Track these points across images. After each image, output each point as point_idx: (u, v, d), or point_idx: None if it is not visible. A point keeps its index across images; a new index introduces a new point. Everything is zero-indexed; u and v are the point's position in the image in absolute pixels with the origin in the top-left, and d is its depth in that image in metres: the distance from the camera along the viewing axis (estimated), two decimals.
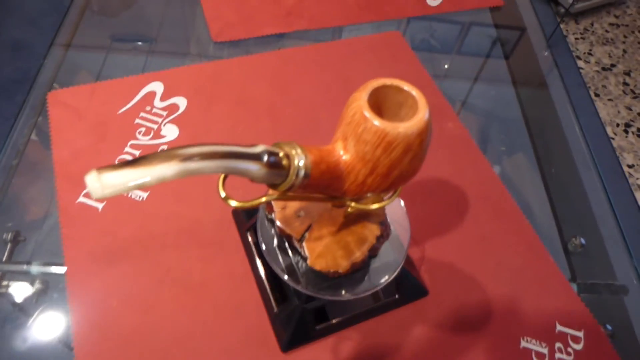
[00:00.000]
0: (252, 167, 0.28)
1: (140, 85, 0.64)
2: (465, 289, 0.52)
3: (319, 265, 0.38)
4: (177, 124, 0.61)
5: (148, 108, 0.62)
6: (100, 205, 0.53)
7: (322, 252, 0.38)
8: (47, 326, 0.46)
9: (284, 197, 0.32)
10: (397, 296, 0.49)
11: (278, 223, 0.40)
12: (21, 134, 0.60)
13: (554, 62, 0.80)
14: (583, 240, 0.58)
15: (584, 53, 1.85)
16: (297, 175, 0.29)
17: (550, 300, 0.52)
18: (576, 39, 1.90)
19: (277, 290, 0.48)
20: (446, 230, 0.56)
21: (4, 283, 0.49)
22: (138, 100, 0.63)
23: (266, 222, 0.43)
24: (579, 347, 0.49)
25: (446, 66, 0.79)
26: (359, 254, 0.38)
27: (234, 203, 0.30)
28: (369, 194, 0.33)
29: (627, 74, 1.79)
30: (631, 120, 1.65)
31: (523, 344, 0.49)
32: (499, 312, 0.50)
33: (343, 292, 0.40)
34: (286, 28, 0.77)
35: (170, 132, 0.60)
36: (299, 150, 0.30)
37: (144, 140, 0.59)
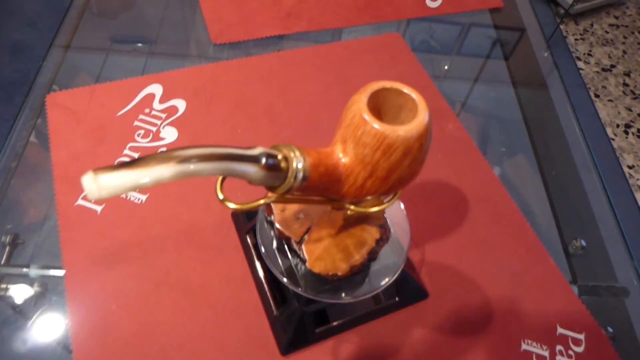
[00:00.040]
0: (250, 169, 0.28)
1: (139, 87, 0.64)
2: (465, 291, 0.51)
3: (318, 268, 0.38)
4: (176, 126, 0.61)
5: (147, 110, 0.62)
6: (99, 208, 0.53)
7: (321, 254, 0.38)
8: (46, 329, 0.46)
9: (282, 199, 0.32)
10: (397, 299, 0.49)
11: (277, 225, 0.40)
12: (20, 136, 0.60)
13: (553, 63, 0.80)
14: (584, 242, 0.58)
15: (584, 54, 1.85)
16: (295, 177, 0.29)
17: (551, 302, 0.52)
18: (576, 39, 1.89)
19: (276, 292, 0.48)
20: (446, 233, 0.56)
21: (3, 286, 0.49)
22: (137, 103, 0.62)
23: (265, 224, 0.43)
24: (580, 349, 0.49)
25: (446, 67, 0.79)
26: (358, 257, 0.38)
27: (232, 205, 0.30)
28: (368, 197, 0.33)
29: (627, 74, 1.79)
30: (631, 121, 1.65)
31: (524, 346, 0.48)
32: (499, 314, 0.50)
33: (343, 294, 0.40)
34: (285, 30, 0.76)
35: (170, 135, 0.60)
36: (297, 153, 0.30)
37: (143, 142, 0.59)
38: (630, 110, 1.68)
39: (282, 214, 0.40)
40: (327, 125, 0.64)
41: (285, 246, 0.41)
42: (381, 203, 0.36)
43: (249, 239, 0.51)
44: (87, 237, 0.51)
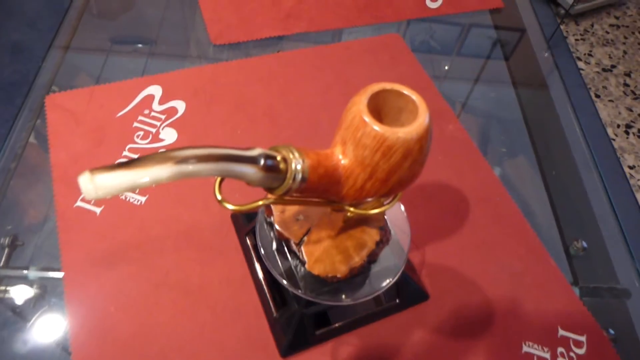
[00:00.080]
0: (248, 170, 0.27)
1: (139, 88, 0.64)
2: (466, 293, 0.51)
3: (317, 269, 0.38)
4: (176, 127, 0.61)
5: (146, 111, 0.62)
6: (98, 210, 0.52)
7: (320, 256, 0.38)
8: (45, 331, 0.46)
9: (281, 201, 0.32)
10: (397, 300, 0.48)
11: (277, 226, 0.40)
12: (19, 137, 0.60)
13: (554, 63, 0.80)
14: (585, 244, 0.58)
15: (584, 54, 1.84)
16: (294, 179, 0.29)
17: (552, 304, 0.51)
18: (576, 40, 1.89)
19: (276, 294, 0.48)
20: (447, 234, 0.55)
21: (2, 288, 0.49)
22: (136, 104, 0.62)
23: (265, 226, 0.43)
24: (581, 351, 0.49)
25: (446, 68, 0.79)
26: (357, 259, 0.38)
27: (230, 206, 0.30)
28: (368, 199, 0.33)
29: (628, 74, 1.78)
30: (632, 121, 1.64)
31: (525, 348, 0.48)
32: (500, 316, 0.50)
33: (343, 296, 0.40)
34: (285, 31, 0.76)
35: (169, 136, 0.60)
36: (296, 154, 0.29)
37: (142, 143, 0.58)
38: (631, 110, 1.68)
39: (282, 215, 0.40)
40: (327, 126, 0.64)
41: (285, 248, 0.41)
42: (381, 205, 0.36)
43: (248, 241, 0.51)
44: (86, 239, 0.50)
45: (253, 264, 0.50)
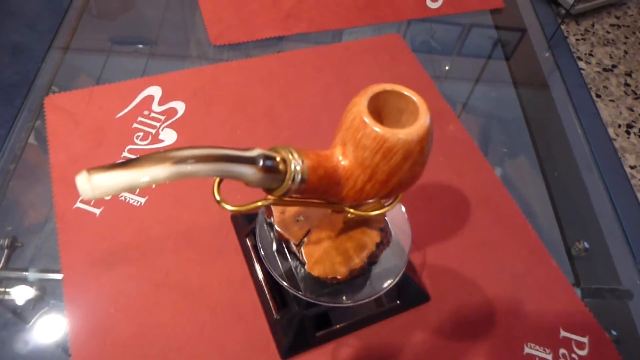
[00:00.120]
0: (247, 171, 0.27)
1: (138, 89, 0.64)
2: (467, 294, 0.51)
3: (317, 271, 0.37)
4: (176, 128, 0.60)
5: (146, 112, 0.61)
6: (97, 211, 0.52)
7: (320, 257, 0.38)
8: (45, 333, 0.46)
9: (280, 202, 0.31)
10: (398, 302, 0.48)
11: (276, 227, 0.39)
12: (18, 138, 0.59)
13: (555, 63, 0.80)
14: (587, 244, 0.57)
15: (585, 54, 1.84)
16: (293, 180, 0.29)
17: (554, 305, 0.51)
18: (577, 40, 1.89)
19: (276, 295, 0.48)
20: (447, 235, 0.55)
21: (1, 289, 0.49)
22: (136, 105, 0.62)
23: (265, 227, 0.42)
24: (583, 353, 0.48)
25: (447, 68, 0.79)
26: (357, 261, 0.38)
27: (229, 207, 0.29)
28: (368, 201, 0.33)
29: (629, 74, 1.78)
30: (633, 121, 1.64)
31: (526, 350, 0.48)
32: (501, 317, 0.50)
33: (344, 297, 0.40)
34: (285, 31, 0.76)
35: (169, 137, 0.59)
36: (295, 155, 0.29)
37: (142, 144, 0.58)
38: (632, 110, 1.67)
39: (282, 216, 0.40)
40: (327, 127, 0.63)
41: (285, 249, 0.41)
42: (382, 206, 0.36)
43: (248, 242, 0.51)
44: (85, 240, 0.50)
45: (253, 265, 0.50)
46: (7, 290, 0.49)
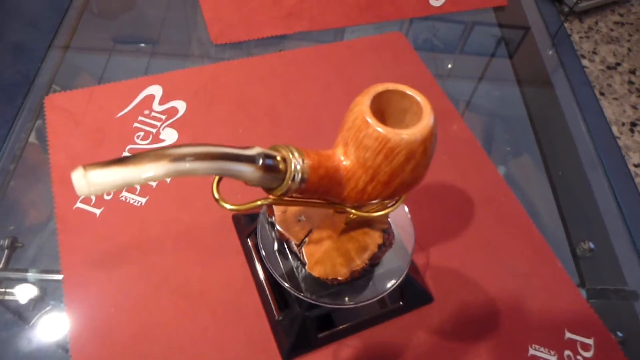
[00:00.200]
0: (246, 169, 0.27)
1: (139, 88, 0.63)
2: (470, 295, 0.50)
3: (317, 271, 0.37)
4: (176, 127, 0.60)
5: (147, 112, 0.61)
6: (98, 211, 0.52)
7: (321, 258, 0.37)
8: (45, 333, 0.46)
9: (280, 201, 0.31)
10: (401, 303, 0.48)
11: (277, 227, 0.39)
12: (18, 138, 0.59)
13: (558, 61, 0.79)
14: (592, 245, 0.57)
15: (589, 52, 1.83)
16: (293, 179, 0.29)
17: (559, 306, 0.51)
18: (580, 37, 1.88)
19: (278, 296, 0.47)
20: (451, 235, 0.55)
21: (1, 290, 0.49)
22: (136, 104, 0.62)
23: (267, 226, 0.42)
24: (588, 354, 0.48)
25: (449, 66, 0.78)
26: (359, 262, 0.37)
27: (228, 206, 0.29)
28: (371, 202, 0.32)
29: (633, 72, 1.77)
30: (637, 119, 1.63)
31: (531, 351, 0.47)
32: (505, 318, 0.49)
33: (346, 299, 0.39)
34: (287, 30, 0.76)
35: (170, 136, 0.59)
36: (296, 154, 0.29)
37: (142, 144, 0.58)
38: (636, 108, 1.66)
39: (283, 216, 0.39)
40: (330, 126, 0.63)
41: (286, 249, 0.40)
42: (384, 207, 0.36)
43: (249, 242, 0.50)
44: (85, 240, 0.50)
45: (254, 266, 0.49)
46: (7, 290, 0.48)
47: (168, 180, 0.55)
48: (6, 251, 0.51)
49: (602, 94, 1.70)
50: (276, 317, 0.46)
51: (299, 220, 0.39)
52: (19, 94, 0.66)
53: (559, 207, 0.61)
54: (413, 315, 0.48)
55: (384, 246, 0.39)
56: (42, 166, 0.56)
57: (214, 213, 0.53)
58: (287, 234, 0.39)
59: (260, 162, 0.27)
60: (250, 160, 0.27)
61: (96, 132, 0.58)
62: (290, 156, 0.29)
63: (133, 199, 0.53)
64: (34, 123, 0.60)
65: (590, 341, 0.49)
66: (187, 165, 0.25)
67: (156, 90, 0.63)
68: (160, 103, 0.62)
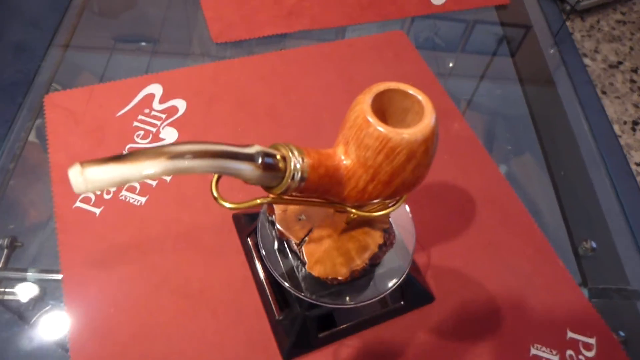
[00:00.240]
0: (245, 168, 0.26)
1: (139, 87, 0.63)
2: (472, 294, 0.50)
3: (317, 271, 0.37)
4: (177, 126, 0.60)
5: (147, 111, 0.61)
6: (97, 210, 0.52)
7: (321, 257, 0.37)
8: (44, 333, 0.46)
9: (280, 200, 0.31)
10: (402, 303, 0.48)
11: (278, 226, 0.39)
12: (18, 137, 0.59)
13: (560, 59, 0.79)
14: (594, 244, 0.56)
15: (590, 50, 1.83)
16: (292, 178, 0.28)
17: (561, 306, 0.50)
18: (582, 36, 1.87)
19: (278, 296, 0.47)
20: (452, 235, 0.54)
21: (1, 289, 0.48)
22: (136, 103, 0.61)
23: (267, 225, 0.42)
24: (590, 354, 0.47)
25: (451, 65, 0.78)
26: (359, 262, 0.37)
27: (227, 204, 0.29)
28: (372, 201, 0.32)
29: (634, 71, 1.76)
30: (638, 118, 1.63)
31: (533, 351, 0.47)
32: (507, 318, 0.49)
33: (347, 298, 0.39)
34: (287, 28, 0.75)
35: (170, 135, 0.59)
36: (295, 153, 0.29)
37: (142, 143, 0.58)
38: (638, 107, 1.66)
39: (284, 215, 0.39)
40: (331, 125, 0.63)
41: (287, 248, 0.40)
42: (385, 207, 0.35)
43: (250, 241, 0.50)
44: (85, 240, 0.50)
45: (255, 265, 0.49)
46: (7, 290, 0.48)
47: (168, 179, 0.55)
48: (6, 250, 0.50)
49: (603, 92, 1.69)
50: (276, 317, 0.46)
51: (300, 219, 0.39)
52: (19, 93, 0.66)
53: (560, 206, 0.60)
54: (414, 315, 0.48)
55: (385, 246, 0.38)
56: (42, 165, 0.56)
57: (214, 212, 0.52)
58: (287, 233, 0.38)
59: (260, 160, 0.27)
60: (250, 158, 0.27)
61: (96, 131, 0.58)
62: (290, 155, 0.28)
63: (133, 198, 0.53)
64: (34, 122, 0.60)
65: (592, 341, 0.48)
66: (185, 163, 0.24)
67: (156, 89, 0.63)
68: (161, 102, 0.62)
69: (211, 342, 0.45)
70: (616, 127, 1.59)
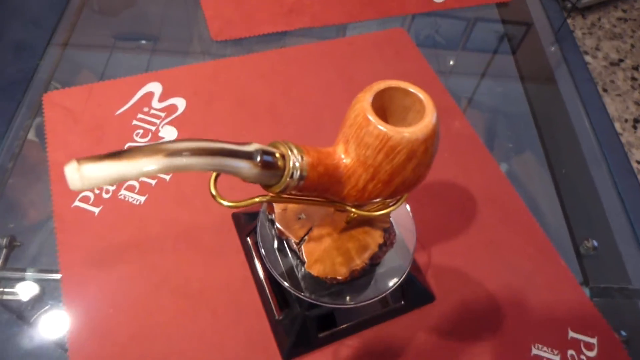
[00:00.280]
0: (243, 165, 0.26)
1: (138, 85, 0.63)
2: (473, 294, 0.50)
3: (316, 270, 0.36)
4: (176, 125, 0.60)
5: (146, 109, 0.61)
6: (96, 210, 0.52)
7: (320, 257, 0.37)
8: (43, 333, 0.45)
9: (278, 198, 0.31)
10: (403, 302, 0.47)
11: (277, 224, 0.38)
12: (17, 136, 0.59)
13: (561, 57, 0.78)
14: (595, 243, 0.56)
15: (592, 48, 1.82)
16: (291, 176, 0.28)
17: (562, 305, 0.50)
18: (583, 34, 1.87)
19: (278, 295, 0.47)
20: (453, 234, 0.54)
21: None
22: (136, 102, 0.61)
23: (267, 224, 0.42)
24: (592, 354, 0.47)
25: (452, 63, 0.78)
26: (359, 262, 0.37)
27: (225, 202, 0.29)
28: (371, 201, 0.32)
29: (636, 68, 1.76)
30: None
31: (534, 351, 0.47)
32: (508, 317, 0.49)
33: (347, 298, 0.39)
34: (287, 26, 0.75)
35: (169, 134, 0.58)
36: (295, 151, 0.28)
37: (141, 142, 0.57)
38: (639, 104, 1.65)
39: (283, 214, 0.39)
40: (331, 123, 0.62)
41: (286, 247, 0.40)
42: (386, 206, 0.35)
43: (250, 241, 0.50)
44: (84, 239, 0.49)
45: (254, 266, 0.49)
46: (5, 290, 0.48)
47: (167, 178, 0.55)
48: (4, 250, 0.50)
49: (605, 90, 1.69)
50: (276, 317, 0.46)
51: (299, 218, 0.39)
52: (18, 92, 0.66)
53: (562, 205, 0.60)
54: (415, 315, 0.48)
55: (385, 246, 0.38)
56: (41, 164, 0.55)
57: (214, 211, 0.52)
58: (286, 232, 0.38)
59: (258, 158, 0.27)
60: (248, 156, 0.26)
61: (95, 129, 0.58)
62: (289, 153, 0.28)
63: (132, 197, 0.53)
64: (33, 120, 0.60)
65: (593, 340, 0.48)
66: (183, 161, 0.24)
67: (155, 87, 0.63)
68: (160, 100, 0.62)
69: (211, 342, 0.45)
70: (617, 125, 1.59)
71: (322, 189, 0.30)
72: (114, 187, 0.53)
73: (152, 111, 0.60)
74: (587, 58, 1.79)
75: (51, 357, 0.44)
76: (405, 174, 0.30)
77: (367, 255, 0.37)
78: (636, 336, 0.50)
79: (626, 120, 1.61)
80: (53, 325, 0.46)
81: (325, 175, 0.30)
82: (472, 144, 0.63)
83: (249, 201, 0.29)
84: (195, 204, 0.53)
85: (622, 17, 1.95)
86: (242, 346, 0.45)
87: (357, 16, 0.78)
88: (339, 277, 0.36)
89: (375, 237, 0.38)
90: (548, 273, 0.52)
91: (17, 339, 0.45)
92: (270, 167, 0.27)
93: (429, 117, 0.29)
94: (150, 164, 0.23)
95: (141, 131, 0.58)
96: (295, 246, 0.38)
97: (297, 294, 0.38)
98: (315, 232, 0.38)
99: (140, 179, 0.54)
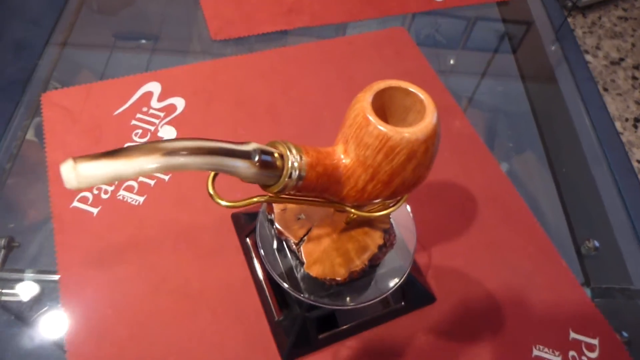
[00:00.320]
0: (241, 165, 0.26)
1: (137, 85, 0.63)
2: (473, 294, 0.50)
3: (315, 271, 0.36)
4: (175, 125, 0.59)
5: (145, 109, 0.60)
6: (95, 210, 0.51)
7: (319, 257, 0.37)
8: (41, 334, 0.45)
9: (277, 198, 0.30)
10: (403, 303, 0.47)
11: (276, 225, 0.38)
12: (15, 136, 0.58)
13: (562, 56, 0.78)
14: (597, 243, 0.56)
15: (592, 47, 1.82)
16: (290, 176, 0.28)
17: (563, 306, 0.50)
18: (584, 32, 1.86)
19: (278, 296, 0.46)
20: (454, 234, 0.54)
21: None
22: (134, 101, 0.61)
23: (266, 225, 0.41)
24: (593, 355, 0.47)
25: (452, 62, 0.77)
26: (358, 263, 0.36)
27: (223, 202, 0.28)
28: (371, 201, 0.31)
29: (636, 67, 1.76)
30: None
31: (535, 352, 0.47)
32: (509, 318, 0.48)
33: (347, 299, 0.39)
34: (287, 25, 0.75)
35: (168, 134, 0.58)
36: (293, 151, 0.28)
37: (140, 142, 0.57)
38: (639, 103, 1.65)
39: (283, 213, 0.39)
40: (331, 123, 0.62)
41: (286, 247, 0.40)
42: (385, 207, 0.35)
43: (249, 241, 0.50)
44: (82, 240, 0.49)
45: (254, 265, 0.48)
46: (3, 291, 0.48)
47: (166, 178, 0.54)
48: (3, 251, 0.50)
49: (605, 89, 1.68)
50: (276, 318, 0.45)
51: (299, 219, 0.39)
52: (17, 91, 0.66)
53: (562, 204, 0.60)
54: (415, 316, 0.48)
55: (385, 247, 0.38)
56: (40, 164, 0.55)
57: (213, 212, 0.52)
58: (285, 232, 0.38)
59: (256, 158, 0.26)
60: (246, 155, 0.26)
61: (94, 129, 0.58)
62: (288, 153, 0.28)
63: (131, 197, 0.53)
64: (32, 120, 0.60)
65: (595, 341, 0.48)
66: (180, 160, 0.24)
67: (154, 87, 0.63)
68: (159, 100, 0.61)
69: (210, 343, 0.45)
70: (618, 124, 1.59)
71: (321, 189, 0.30)
72: (112, 188, 0.53)
73: (151, 111, 0.60)
74: (588, 57, 1.78)
75: (50, 357, 0.44)
76: (405, 175, 0.29)
77: (366, 256, 0.37)
78: (638, 337, 0.50)
79: (627, 120, 1.60)
80: (51, 325, 0.45)
81: (324, 176, 0.29)
82: (473, 144, 0.62)
83: (247, 201, 0.29)
84: (194, 205, 0.53)
85: (623, 16, 1.94)
86: (241, 347, 0.45)
87: (357, 15, 0.78)
88: (338, 278, 0.36)
89: (375, 238, 0.38)
90: (549, 273, 0.52)
91: (15, 339, 0.45)
92: (269, 167, 0.27)
93: (430, 118, 0.29)
94: (147, 162, 0.23)
95: (140, 131, 0.58)
96: (294, 246, 0.38)
97: (296, 295, 0.38)
98: (315, 232, 0.38)
99: (139, 179, 0.54)
